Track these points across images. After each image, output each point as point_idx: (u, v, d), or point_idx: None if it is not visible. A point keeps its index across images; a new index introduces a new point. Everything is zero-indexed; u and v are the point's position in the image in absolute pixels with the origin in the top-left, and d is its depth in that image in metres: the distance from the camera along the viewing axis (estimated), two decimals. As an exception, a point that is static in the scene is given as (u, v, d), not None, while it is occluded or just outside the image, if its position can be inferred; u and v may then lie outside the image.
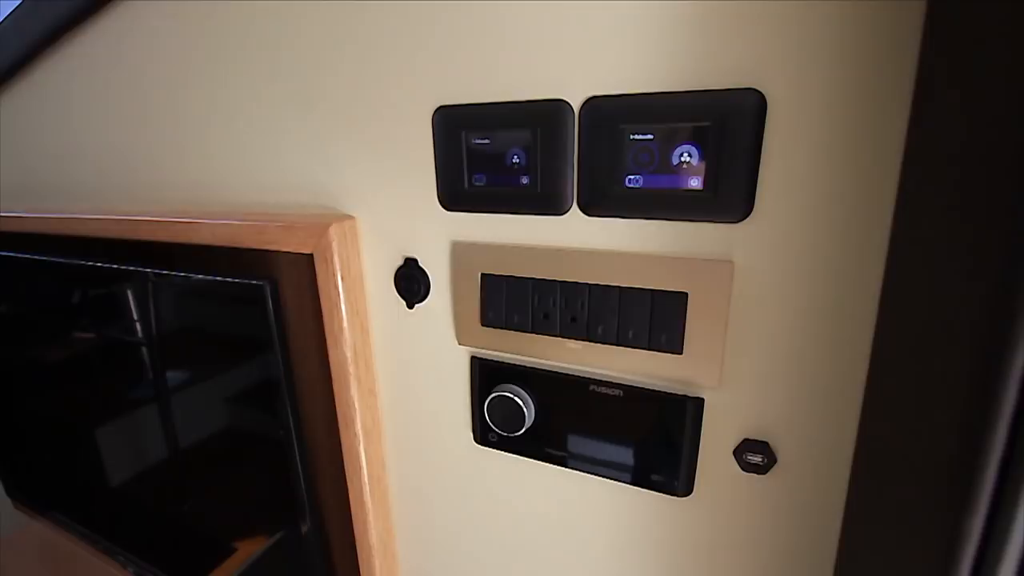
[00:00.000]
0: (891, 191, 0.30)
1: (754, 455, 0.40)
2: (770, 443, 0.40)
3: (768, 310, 0.37)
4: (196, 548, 0.81)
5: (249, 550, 0.72)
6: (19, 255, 0.79)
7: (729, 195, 0.36)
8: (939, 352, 0.27)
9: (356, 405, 0.55)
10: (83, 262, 0.71)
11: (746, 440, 0.41)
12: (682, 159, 0.36)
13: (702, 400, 0.41)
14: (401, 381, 0.55)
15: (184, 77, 0.58)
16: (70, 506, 0.99)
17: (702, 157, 0.36)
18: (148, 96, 0.62)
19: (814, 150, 0.33)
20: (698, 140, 0.36)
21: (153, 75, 0.61)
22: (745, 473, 0.41)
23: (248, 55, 0.53)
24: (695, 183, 0.36)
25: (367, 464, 0.57)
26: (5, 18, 0.69)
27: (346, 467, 0.57)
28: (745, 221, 0.36)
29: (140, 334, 0.71)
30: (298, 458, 0.60)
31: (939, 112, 0.25)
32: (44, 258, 0.76)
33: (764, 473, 0.40)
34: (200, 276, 0.60)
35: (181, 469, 0.77)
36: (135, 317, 0.70)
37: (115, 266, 0.68)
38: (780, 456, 0.40)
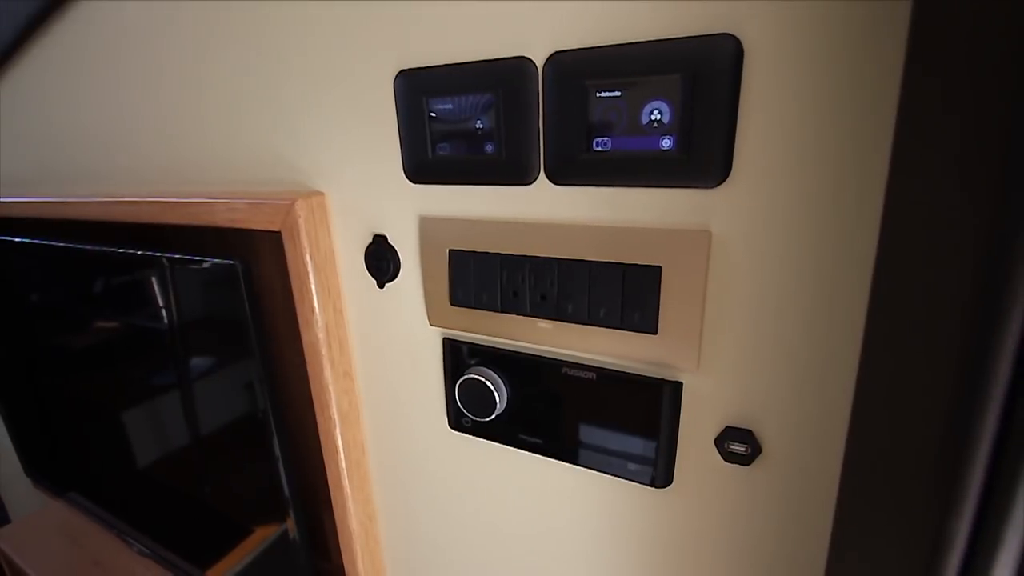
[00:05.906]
0: (885, 149, 0.27)
1: (737, 444, 0.37)
2: (754, 431, 0.36)
3: (750, 285, 0.34)
4: (180, 538, 0.82)
5: (234, 538, 0.72)
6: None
7: (704, 157, 0.32)
8: (940, 333, 0.24)
9: (331, 388, 0.53)
10: (54, 243, 0.71)
11: (728, 428, 0.37)
12: (652, 117, 0.33)
13: (680, 384, 0.38)
14: (376, 363, 0.53)
15: (154, 60, 0.56)
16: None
17: (673, 114, 0.32)
18: (121, 81, 0.61)
19: (798, 104, 0.29)
20: (669, 96, 0.32)
21: (125, 61, 0.59)
22: (728, 464, 0.38)
23: (213, 31, 0.51)
24: (667, 144, 0.33)
25: (344, 448, 0.55)
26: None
27: (323, 451, 0.56)
28: (722, 186, 0.33)
29: (116, 319, 0.71)
30: (276, 444, 0.59)
31: (937, 55, 0.22)
32: (20, 240, 0.76)
33: (748, 464, 0.37)
34: (173, 256, 0.58)
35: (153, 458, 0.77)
36: (109, 302, 0.70)
37: (88, 247, 0.67)
38: (765, 446, 0.36)
